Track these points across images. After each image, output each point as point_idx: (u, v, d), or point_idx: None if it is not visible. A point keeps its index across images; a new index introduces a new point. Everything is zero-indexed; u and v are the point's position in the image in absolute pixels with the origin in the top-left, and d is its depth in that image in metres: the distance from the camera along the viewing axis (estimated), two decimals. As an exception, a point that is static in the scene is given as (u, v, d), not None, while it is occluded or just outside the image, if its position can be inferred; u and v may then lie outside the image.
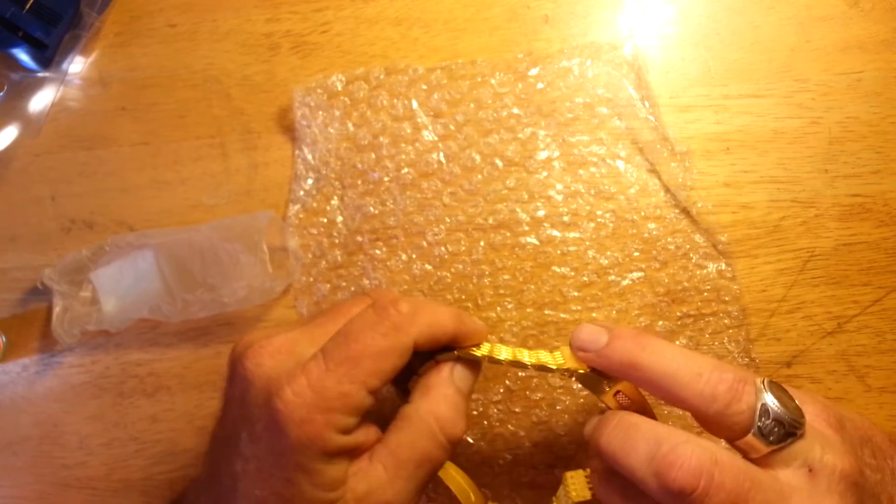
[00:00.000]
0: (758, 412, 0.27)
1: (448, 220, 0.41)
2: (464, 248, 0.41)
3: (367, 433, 0.29)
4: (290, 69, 0.43)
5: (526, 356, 0.31)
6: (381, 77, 0.42)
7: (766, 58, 0.41)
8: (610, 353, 0.29)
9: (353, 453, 0.28)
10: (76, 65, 0.44)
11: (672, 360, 0.28)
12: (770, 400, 0.27)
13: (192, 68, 0.43)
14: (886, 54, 0.41)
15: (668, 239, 0.40)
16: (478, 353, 0.31)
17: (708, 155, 0.41)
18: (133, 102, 0.43)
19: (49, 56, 0.42)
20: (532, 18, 0.42)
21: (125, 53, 0.43)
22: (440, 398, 0.30)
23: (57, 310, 0.39)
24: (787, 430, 0.27)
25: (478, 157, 0.41)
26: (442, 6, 0.43)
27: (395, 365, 0.28)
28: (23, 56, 0.42)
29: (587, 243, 0.40)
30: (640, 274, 0.40)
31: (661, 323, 0.39)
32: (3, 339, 0.41)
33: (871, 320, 0.39)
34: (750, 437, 0.27)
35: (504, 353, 0.31)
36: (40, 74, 0.43)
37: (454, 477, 0.32)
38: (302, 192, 0.41)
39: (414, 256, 0.41)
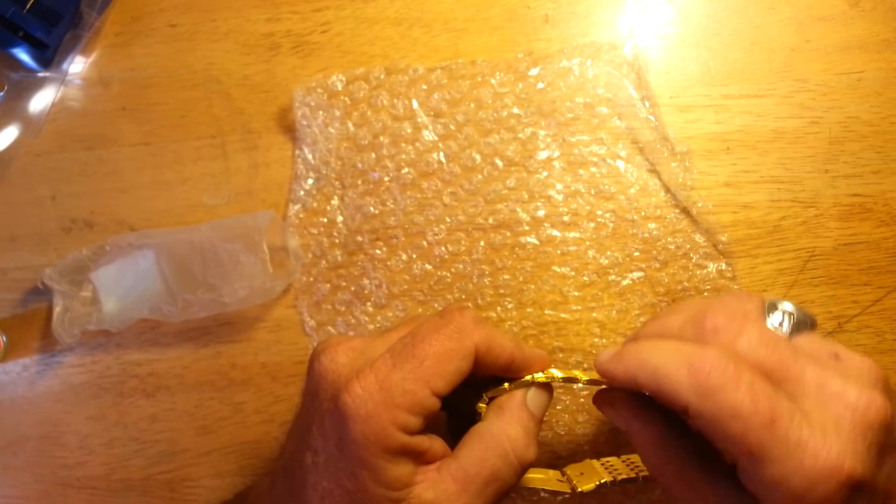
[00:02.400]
0: (766, 307, 0.28)
1: (448, 219, 0.41)
2: (464, 248, 0.41)
3: (433, 442, 0.29)
4: (290, 69, 0.43)
5: (577, 374, 0.32)
6: (382, 77, 0.42)
7: (767, 58, 0.41)
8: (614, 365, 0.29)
9: (417, 458, 0.28)
10: (76, 65, 0.44)
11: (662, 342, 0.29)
12: (775, 298, 0.28)
13: (193, 68, 0.43)
14: (887, 54, 0.41)
15: (669, 239, 0.40)
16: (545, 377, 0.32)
17: (708, 155, 0.41)
18: (133, 102, 0.43)
19: (49, 56, 0.42)
20: (532, 18, 0.42)
21: (125, 53, 0.44)
22: (514, 420, 0.30)
23: (57, 309, 0.39)
24: (799, 320, 0.28)
25: (478, 157, 0.41)
26: (442, 6, 0.43)
27: (459, 368, 0.28)
28: (23, 56, 0.42)
29: (587, 243, 0.40)
30: (641, 274, 0.40)
31: (661, 323, 0.39)
32: (4, 338, 0.41)
33: (871, 320, 0.39)
34: None
35: (560, 374, 0.32)
36: (41, 74, 0.43)
37: (532, 478, 0.33)
38: (302, 192, 0.41)
39: (414, 256, 0.41)
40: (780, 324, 0.28)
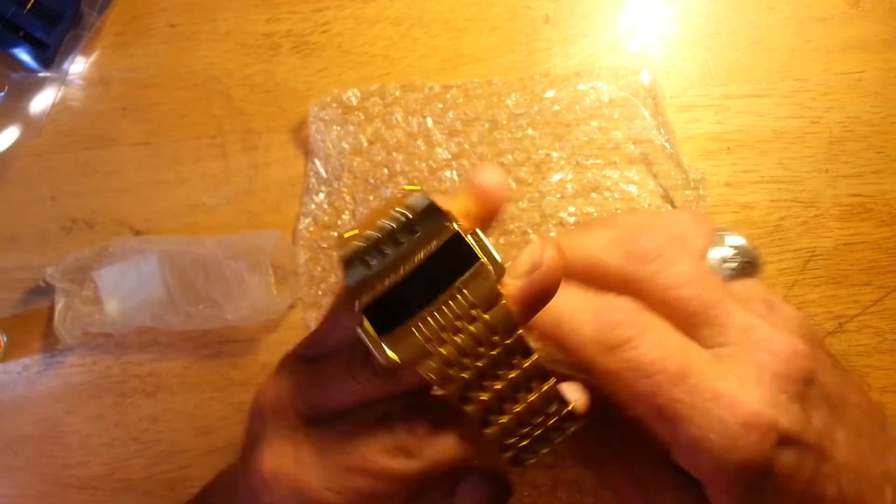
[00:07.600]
0: (715, 237, 0.26)
1: (456, 234, 0.41)
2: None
3: None
4: (290, 69, 0.43)
5: None
6: (397, 93, 0.42)
7: (767, 58, 0.41)
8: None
9: None
10: (77, 65, 0.44)
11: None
12: (725, 228, 0.26)
13: (193, 68, 0.43)
14: (887, 54, 0.41)
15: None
16: None
17: (708, 155, 0.41)
18: (133, 102, 0.43)
19: (50, 56, 0.42)
20: (532, 18, 0.42)
21: (126, 53, 0.44)
22: None
23: (59, 307, 0.39)
24: (746, 259, 0.26)
25: (491, 179, 0.41)
26: (442, 6, 0.43)
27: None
28: (24, 56, 0.42)
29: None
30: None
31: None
32: (4, 338, 0.41)
33: (871, 320, 0.39)
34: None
35: None
36: (41, 74, 0.43)
37: None
38: (313, 206, 0.41)
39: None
40: (725, 259, 0.25)
